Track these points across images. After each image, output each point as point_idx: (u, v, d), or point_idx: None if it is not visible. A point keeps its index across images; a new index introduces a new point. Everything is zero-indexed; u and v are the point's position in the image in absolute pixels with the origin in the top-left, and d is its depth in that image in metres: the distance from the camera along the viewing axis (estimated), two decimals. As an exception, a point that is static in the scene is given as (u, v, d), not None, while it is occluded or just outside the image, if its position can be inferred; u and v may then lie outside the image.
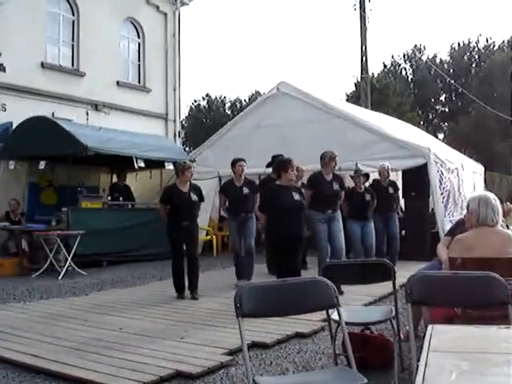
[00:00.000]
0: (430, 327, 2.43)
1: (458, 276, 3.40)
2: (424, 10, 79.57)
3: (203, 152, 13.90)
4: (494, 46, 48.93)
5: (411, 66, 51.06)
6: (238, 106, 47.99)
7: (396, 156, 11.15)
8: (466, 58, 49.49)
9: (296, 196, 7.26)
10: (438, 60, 49.50)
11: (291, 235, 7.12)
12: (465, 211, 4.63)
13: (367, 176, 10.04)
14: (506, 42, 47.98)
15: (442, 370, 1.89)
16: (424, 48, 51.11)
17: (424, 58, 49.49)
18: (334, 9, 73.81)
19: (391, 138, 11.66)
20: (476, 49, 49.62)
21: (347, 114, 12.46)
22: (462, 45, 49.93)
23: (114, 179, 13.98)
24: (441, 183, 11.10)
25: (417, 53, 50.41)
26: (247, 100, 47.38)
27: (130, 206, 13.19)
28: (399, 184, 11.94)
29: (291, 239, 7.13)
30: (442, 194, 11.04)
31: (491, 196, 4.28)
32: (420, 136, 15.08)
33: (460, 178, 12.31)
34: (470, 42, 49.75)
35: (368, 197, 9.52)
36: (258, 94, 43.85)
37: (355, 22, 22.22)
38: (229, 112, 48.47)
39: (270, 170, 9.96)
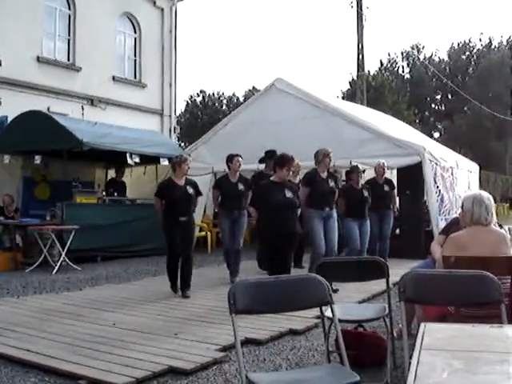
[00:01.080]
0: (422, 325, 2.44)
1: (451, 274, 3.41)
2: (421, 8, 79.66)
3: (198, 148, 13.89)
4: (491, 45, 49.00)
5: (408, 64, 51.11)
6: (235, 101, 47.90)
7: (391, 154, 11.15)
8: (463, 57, 49.56)
9: (288, 194, 7.15)
10: (436, 59, 49.60)
11: (283, 233, 7.02)
12: (459, 210, 4.64)
13: (363, 172, 9.90)
14: (504, 41, 48.11)
15: (433, 368, 1.89)
16: (423, 47, 51.26)
17: (422, 56, 49.61)
18: (331, 6, 73.83)
19: (386, 136, 11.67)
20: (475, 48, 49.66)
21: (342, 112, 12.46)
22: (460, 44, 50.01)
23: (112, 175, 13.94)
24: (435, 182, 11.11)
25: (415, 51, 50.49)
26: (244, 96, 47.32)
27: (125, 201, 13.15)
28: (394, 182, 11.97)
29: (283, 237, 7.04)
30: (437, 192, 11.06)
31: (485, 195, 4.29)
32: (415, 135, 15.09)
33: (454, 176, 12.33)
34: (470, 42, 49.84)
35: (366, 193, 9.40)
36: (254, 90, 43.79)
37: (352, 20, 22.23)
38: (225, 108, 48.42)
39: (262, 165, 9.99)
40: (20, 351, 4.81)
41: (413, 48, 50.72)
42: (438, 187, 11.16)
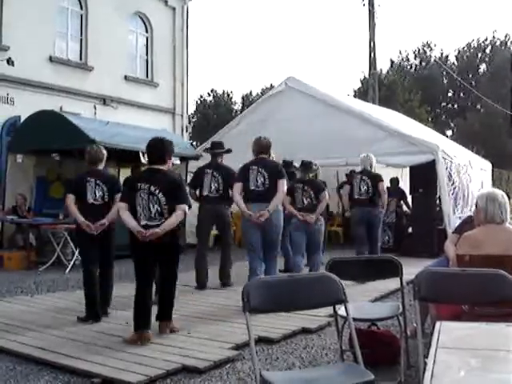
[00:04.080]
0: (438, 324, 2.43)
1: (465, 273, 3.39)
2: (433, 6, 79.29)
3: (210, 147, 13.88)
4: (499, 43, 48.68)
5: (420, 62, 50.89)
6: (249, 100, 47.81)
7: (404, 152, 11.09)
8: (477, 54, 49.24)
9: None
10: (449, 56, 49.37)
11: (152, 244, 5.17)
12: (473, 208, 4.61)
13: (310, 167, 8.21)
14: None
15: (450, 367, 1.88)
16: (435, 45, 51.05)
17: (434, 54, 49.43)
18: (343, 4, 73.64)
19: (399, 134, 11.61)
20: (488, 46, 49.31)
21: (355, 110, 12.42)
22: (472, 41, 49.75)
23: (124, 174, 13.94)
24: (449, 180, 11.04)
25: (427, 49, 50.25)
26: (259, 94, 47.14)
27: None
28: (406, 180, 11.93)
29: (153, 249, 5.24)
30: (450, 190, 10.98)
31: (499, 193, 4.26)
32: (428, 133, 15.02)
33: (468, 174, 12.25)
34: (486, 40, 49.49)
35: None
36: (272, 87, 43.65)
37: (364, 18, 22.17)
38: (239, 106, 48.42)
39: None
40: (34, 349, 4.84)
41: (425, 46, 50.50)
42: (451, 185, 11.09)
